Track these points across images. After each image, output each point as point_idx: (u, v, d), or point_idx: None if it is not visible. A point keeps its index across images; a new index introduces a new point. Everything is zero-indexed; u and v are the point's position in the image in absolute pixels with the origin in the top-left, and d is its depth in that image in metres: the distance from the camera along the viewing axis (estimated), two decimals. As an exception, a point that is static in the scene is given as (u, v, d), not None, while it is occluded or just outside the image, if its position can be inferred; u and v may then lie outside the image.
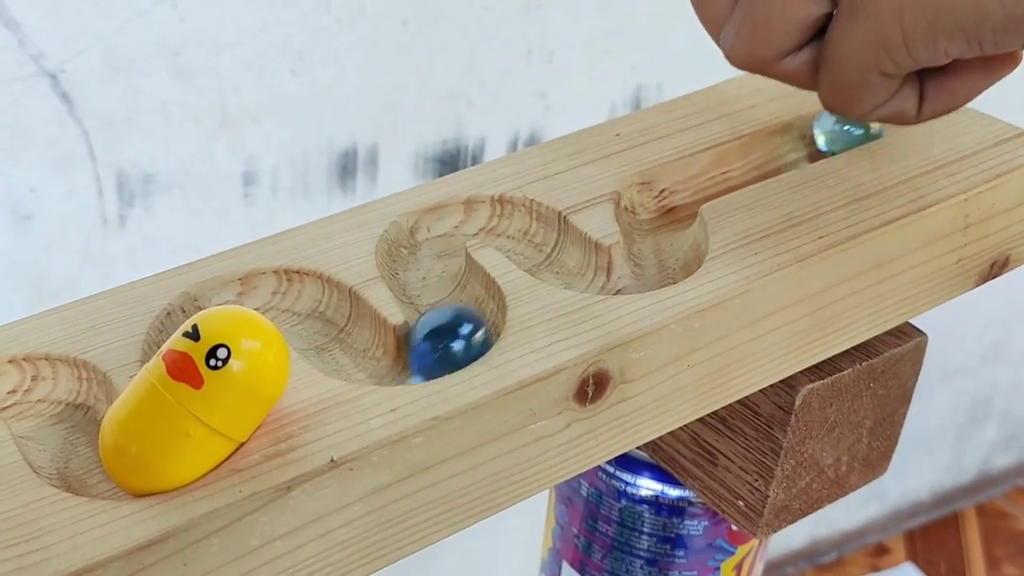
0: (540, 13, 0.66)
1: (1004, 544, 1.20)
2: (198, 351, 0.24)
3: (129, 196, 0.60)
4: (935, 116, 0.31)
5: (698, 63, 0.76)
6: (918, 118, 0.31)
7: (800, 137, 0.37)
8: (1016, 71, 0.31)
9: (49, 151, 0.57)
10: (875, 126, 0.36)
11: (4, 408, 0.27)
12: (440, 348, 0.27)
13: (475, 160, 0.69)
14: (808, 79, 0.30)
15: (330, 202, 0.65)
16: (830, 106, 0.30)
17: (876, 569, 1.16)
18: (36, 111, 0.55)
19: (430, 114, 0.66)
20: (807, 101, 0.37)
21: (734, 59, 0.30)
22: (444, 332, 0.27)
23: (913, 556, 1.18)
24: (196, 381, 0.24)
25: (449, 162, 0.68)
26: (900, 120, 0.31)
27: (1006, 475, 1.26)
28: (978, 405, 1.18)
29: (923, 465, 1.17)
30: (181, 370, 0.24)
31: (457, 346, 0.27)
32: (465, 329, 0.27)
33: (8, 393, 0.27)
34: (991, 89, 0.31)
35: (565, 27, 0.68)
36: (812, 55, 0.29)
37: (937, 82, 0.30)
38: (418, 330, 0.27)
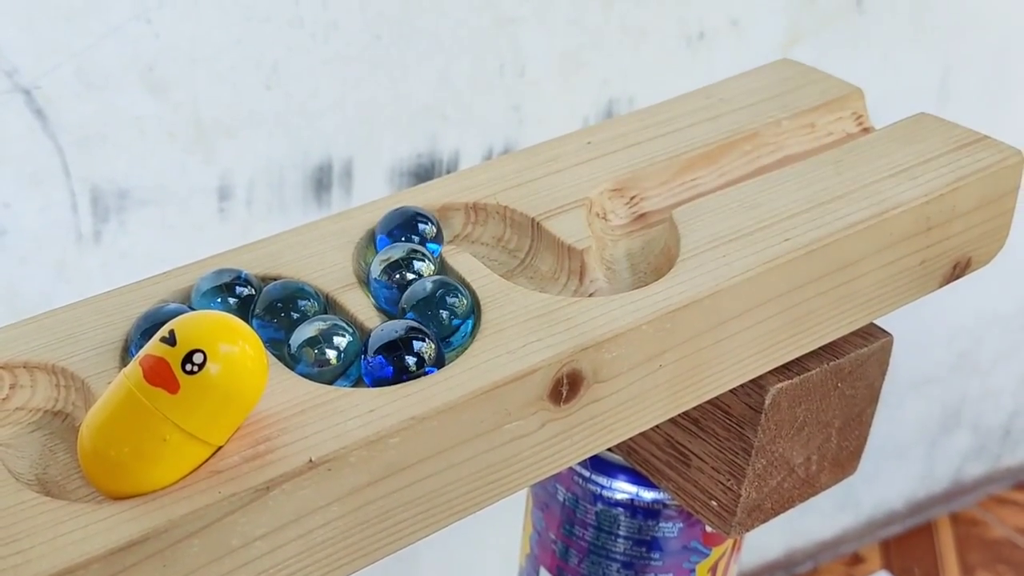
0: (513, 28, 0.67)
1: (978, 552, 1.21)
2: (174, 356, 0.24)
3: (104, 211, 0.60)
4: None
5: (668, 77, 0.77)
6: None
7: (767, 144, 0.37)
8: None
9: (23, 166, 0.57)
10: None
11: (-18, 416, 0.27)
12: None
13: (450, 173, 0.69)
14: None
15: (306, 216, 0.65)
16: None
17: (852, 578, 1.17)
18: (10, 127, 0.55)
19: (404, 128, 0.67)
20: (775, 108, 0.38)
21: None
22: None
23: (888, 565, 1.19)
24: (172, 386, 0.24)
25: (424, 176, 0.69)
26: None
27: (978, 483, 1.27)
28: (949, 415, 1.19)
29: (896, 474, 1.19)
30: (157, 375, 0.24)
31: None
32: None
33: (-14, 401, 0.28)
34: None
35: (538, 42, 0.68)
36: None
37: None
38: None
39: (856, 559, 1.20)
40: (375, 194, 0.67)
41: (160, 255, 0.62)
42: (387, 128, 0.66)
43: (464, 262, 0.31)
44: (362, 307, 0.30)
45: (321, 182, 0.65)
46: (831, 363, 0.34)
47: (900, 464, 1.18)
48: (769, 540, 1.12)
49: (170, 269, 0.31)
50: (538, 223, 0.33)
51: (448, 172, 0.69)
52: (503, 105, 0.69)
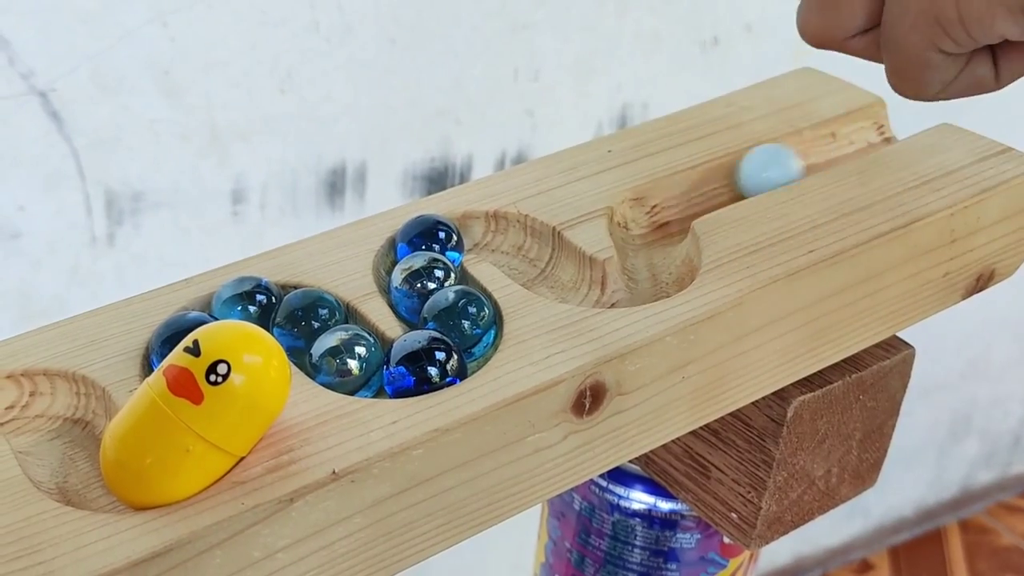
0: (527, 33, 0.67)
1: (987, 559, 1.20)
2: (198, 366, 0.24)
3: (118, 214, 0.60)
4: (1015, 80, 0.30)
5: (682, 83, 0.77)
6: (998, 84, 0.30)
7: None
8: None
9: (38, 169, 0.57)
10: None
11: (2, 423, 0.27)
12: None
13: (463, 178, 0.69)
14: (879, 57, 0.30)
15: (319, 220, 0.65)
16: (899, 91, 0.30)
17: (860, 585, 1.17)
18: (25, 129, 0.55)
19: (418, 132, 0.66)
20: (797, 118, 0.38)
21: (805, 34, 0.30)
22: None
23: (897, 572, 1.19)
24: (196, 397, 0.24)
25: (437, 180, 0.68)
26: (979, 90, 0.30)
27: (988, 491, 1.27)
28: (959, 421, 1.19)
29: (906, 481, 1.18)
30: (181, 385, 0.24)
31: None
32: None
33: (6, 408, 0.28)
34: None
35: (552, 47, 0.68)
36: (877, 37, 0.30)
37: (1008, 47, 0.29)
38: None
39: (865, 566, 1.19)
40: (388, 198, 0.67)
41: (173, 258, 0.62)
42: (401, 132, 0.66)
43: (485, 271, 0.31)
44: (383, 316, 0.30)
45: (334, 186, 0.65)
46: (853, 375, 0.34)
47: (909, 471, 1.18)
48: (778, 546, 1.11)
49: (190, 276, 0.31)
50: (559, 232, 0.33)
51: (461, 177, 0.69)
52: (517, 110, 0.69)
